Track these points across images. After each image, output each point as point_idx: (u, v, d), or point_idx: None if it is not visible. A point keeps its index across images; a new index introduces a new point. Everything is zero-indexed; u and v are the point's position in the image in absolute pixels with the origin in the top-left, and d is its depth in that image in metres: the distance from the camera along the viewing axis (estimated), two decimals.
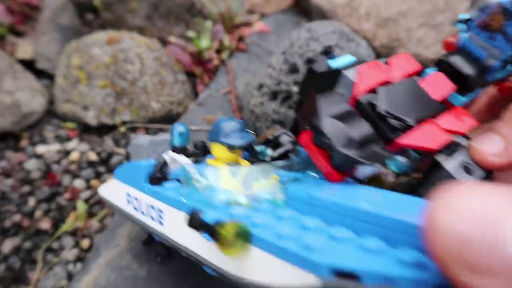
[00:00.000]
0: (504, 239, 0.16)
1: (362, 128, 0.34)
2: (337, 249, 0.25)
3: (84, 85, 0.70)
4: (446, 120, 0.38)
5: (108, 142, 0.68)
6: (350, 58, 0.48)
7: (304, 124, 0.46)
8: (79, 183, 0.66)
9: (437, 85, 0.40)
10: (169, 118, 0.72)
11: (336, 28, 0.67)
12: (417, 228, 0.23)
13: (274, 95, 0.63)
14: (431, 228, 0.17)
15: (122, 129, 0.69)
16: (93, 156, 0.68)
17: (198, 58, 0.78)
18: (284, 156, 0.51)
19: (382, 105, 0.36)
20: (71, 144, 0.70)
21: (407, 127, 0.35)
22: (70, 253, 0.57)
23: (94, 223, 0.60)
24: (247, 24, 0.90)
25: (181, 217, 0.36)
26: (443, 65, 0.41)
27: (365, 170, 0.35)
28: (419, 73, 0.42)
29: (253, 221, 0.29)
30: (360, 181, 0.39)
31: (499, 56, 0.38)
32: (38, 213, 0.62)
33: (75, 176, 0.67)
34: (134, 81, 0.69)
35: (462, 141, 0.40)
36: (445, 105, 0.40)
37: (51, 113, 0.76)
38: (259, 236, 0.27)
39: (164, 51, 0.76)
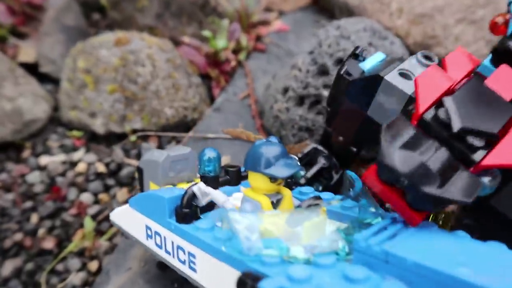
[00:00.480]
0: None
1: (437, 155, 0.28)
2: None
3: (91, 90, 0.64)
4: None
5: (117, 152, 0.62)
6: (381, 55, 0.42)
7: (337, 136, 0.40)
8: (86, 197, 0.60)
9: (506, 82, 0.33)
10: (184, 125, 0.66)
11: (367, 25, 0.61)
12: None
13: (301, 100, 0.57)
14: None
15: (133, 137, 0.63)
16: (101, 168, 0.62)
17: (213, 59, 0.72)
18: (318, 175, 0.45)
19: (456, 122, 0.29)
20: (77, 155, 0.64)
21: (488, 142, 0.29)
22: (76, 277, 0.52)
23: (103, 242, 0.54)
24: (265, 22, 0.84)
25: (221, 268, 0.31)
26: (502, 54, 0.34)
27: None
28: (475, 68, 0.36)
29: None
30: None
31: None
32: (41, 231, 0.57)
33: (82, 189, 0.61)
34: (146, 85, 0.63)
35: None
36: None
37: (55, 121, 0.70)
38: None
39: (177, 52, 0.70)
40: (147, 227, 0.39)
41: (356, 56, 0.42)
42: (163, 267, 0.48)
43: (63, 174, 0.62)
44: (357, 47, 0.42)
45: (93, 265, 0.53)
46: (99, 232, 0.56)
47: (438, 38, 0.65)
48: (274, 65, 0.76)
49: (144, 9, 0.78)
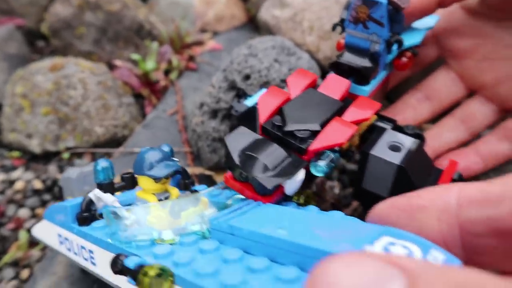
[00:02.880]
0: None
1: (269, 150, 0.35)
2: (253, 284, 0.25)
3: (27, 113, 0.69)
4: (350, 113, 0.41)
5: (51, 169, 0.68)
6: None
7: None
8: (23, 212, 0.65)
9: (334, 86, 0.44)
10: (115, 142, 0.71)
11: (277, 43, 0.67)
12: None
13: (214, 113, 0.63)
14: None
15: (65, 155, 0.68)
16: (38, 185, 0.67)
17: (145, 79, 0.78)
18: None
19: (287, 123, 0.37)
20: (16, 173, 0.69)
21: (316, 133, 0.38)
22: (8, 285, 0.56)
23: (35, 252, 0.59)
24: (199, 43, 0.90)
25: (110, 257, 0.36)
26: (338, 66, 0.46)
27: (290, 186, 0.36)
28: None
29: (174, 260, 0.30)
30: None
31: (378, 40, 0.44)
32: None
33: (20, 205, 0.66)
34: (77, 106, 0.68)
35: (385, 125, 0.44)
36: (348, 100, 0.44)
37: None
38: (180, 276, 0.28)
39: (110, 75, 0.76)
40: (59, 235, 0.45)
41: (240, 96, 0.51)
42: (85, 271, 0.53)
43: (2, 192, 0.67)
44: (239, 89, 0.51)
45: (25, 273, 0.57)
46: (33, 244, 0.61)
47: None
48: (205, 83, 0.82)
49: (82, 36, 0.83)
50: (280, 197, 0.37)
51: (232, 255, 0.28)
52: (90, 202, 0.41)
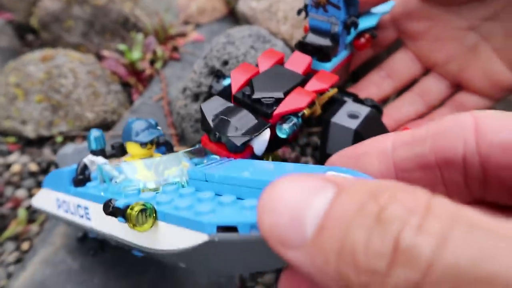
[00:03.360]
0: (303, 223, 0.21)
1: (240, 114, 0.41)
2: (221, 211, 0.30)
3: (21, 101, 0.74)
4: (311, 84, 0.47)
5: (45, 152, 0.73)
6: None
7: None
8: (21, 193, 0.69)
9: (297, 62, 0.50)
10: (105, 126, 0.76)
11: (253, 32, 0.73)
12: None
13: (196, 97, 0.69)
14: (258, 215, 0.23)
15: (59, 139, 0.73)
16: (33, 167, 0.72)
17: (132, 69, 0.83)
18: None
19: (256, 91, 0.43)
20: (12, 157, 0.74)
21: (280, 100, 0.44)
22: (10, 256, 0.61)
23: (34, 227, 0.64)
24: (182, 34, 0.95)
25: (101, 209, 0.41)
26: (303, 46, 0.53)
27: (258, 146, 0.42)
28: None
29: (157, 201, 0.35)
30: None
31: (336, 22, 0.51)
32: None
33: (17, 186, 0.70)
34: (68, 94, 0.73)
35: (346, 97, 0.50)
36: (310, 74, 0.50)
37: None
38: (162, 211, 0.33)
39: (99, 64, 0.81)
40: (57, 199, 0.50)
41: (218, 76, 0.56)
42: (82, 240, 0.58)
43: (0, 175, 0.72)
44: (218, 70, 0.56)
45: (25, 245, 0.63)
46: (32, 221, 0.66)
47: None
48: (188, 71, 0.87)
49: (70, 29, 0.88)
50: (250, 156, 0.43)
51: (205, 196, 0.34)
52: (85, 167, 0.47)
